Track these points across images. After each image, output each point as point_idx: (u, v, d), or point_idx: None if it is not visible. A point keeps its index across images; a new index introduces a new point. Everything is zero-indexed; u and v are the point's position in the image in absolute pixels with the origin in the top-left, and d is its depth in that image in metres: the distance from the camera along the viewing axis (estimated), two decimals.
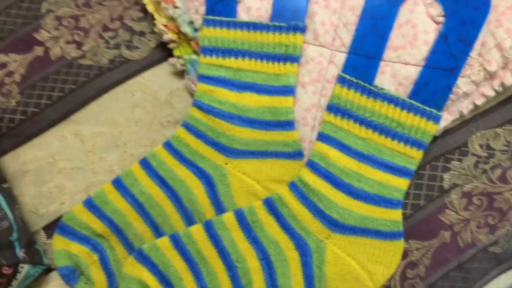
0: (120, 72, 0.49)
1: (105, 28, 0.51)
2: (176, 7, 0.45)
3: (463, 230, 0.44)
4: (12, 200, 0.44)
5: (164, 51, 0.50)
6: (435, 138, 0.45)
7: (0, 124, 0.48)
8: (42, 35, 0.51)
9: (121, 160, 0.48)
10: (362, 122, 0.42)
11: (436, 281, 0.43)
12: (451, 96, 0.43)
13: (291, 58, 0.44)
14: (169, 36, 0.47)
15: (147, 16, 0.51)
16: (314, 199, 0.43)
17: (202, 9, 0.45)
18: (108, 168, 0.48)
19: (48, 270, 0.46)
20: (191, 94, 0.49)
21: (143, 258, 0.44)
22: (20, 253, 0.41)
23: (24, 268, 0.42)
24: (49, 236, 0.46)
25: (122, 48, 0.50)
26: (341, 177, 0.43)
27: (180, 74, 0.50)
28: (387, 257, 0.43)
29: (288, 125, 0.44)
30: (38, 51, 0.50)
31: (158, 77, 0.50)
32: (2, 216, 0.41)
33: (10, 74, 0.50)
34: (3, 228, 0.41)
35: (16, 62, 0.50)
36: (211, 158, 0.45)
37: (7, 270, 0.40)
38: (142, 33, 0.51)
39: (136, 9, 0.51)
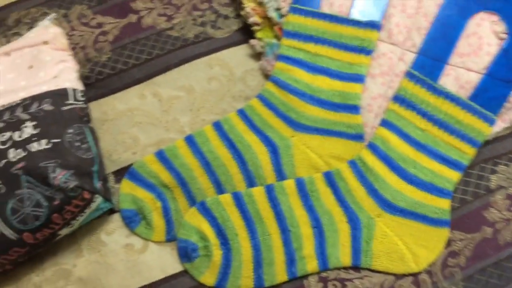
0: (203, 46, 0.55)
1: (195, 8, 0.56)
2: None
3: (504, 228, 0.47)
4: (96, 137, 0.48)
5: (243, 34, 0.55)
6: (486, 143, 0.49)
7: (90, 74, 0.53)
8: (137, 5, 0.56)
9: (192, 123, 0.52)
10: (424, 115, 0.47)
11: (474, 274, 0.46)
12: (505, 104, 0.47)
13: (365, 50, 0.49)
14: (254, 19, 0.52)
15: (233, 3, 0.57)
16: (371, 178, 0.46)
17: (290, 0, 0.51)
18: (180, 128, 0.52)
19: (111, 211, 0.50)
20: (265, 74, 0.53)
21: (205, 210, 0.47)
22: (98, 184, 0.45)
23: (98, 199, 0.45)
24: (118, 181, 0.50)
25: (207, 26, 0.56)
26: (398, 162, 0.47)
27: (256, 56, 0.55)
28: (432, 242, 0.46)
29: (354, 109, 0.48)
30: (132, 18, 0.56)
31: (236, 56, 0.55)
32: (87, 147, 0.45)
33: (104, 33, 0.55)
34: (87, 158, 0.45)
35: (111, 24, 0.56)
36: (279, 130, 0.49)
37: (86, 195, 0.43)
38: (226, 17, 0.56)
39: None
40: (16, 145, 0.43)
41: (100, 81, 0.53)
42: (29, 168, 0.42)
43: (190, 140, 0.50)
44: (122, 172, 0.50)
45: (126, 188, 0.50)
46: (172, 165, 0.49)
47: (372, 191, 0.46)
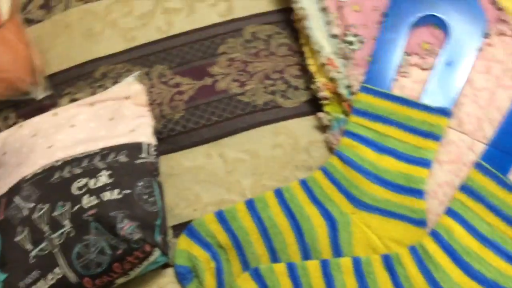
0: (271, 114, 0.57)
1: (267, 77, 0.59)
2: (338, 71, 0.53)
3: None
4: (162, 191, 0.50)
5: (311, 106, 0.57)
6: None
7: (163, 130, 0.56)
8: (214, 70, 0.60)
9: (254, 187, 0.53)
10: (492, 209, 0.45)
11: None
12: None
13: (434, 136, 0.49)
14: (324, 93, 0.54)
15: (303, 76, 0.59)
16: (431, 267, 0.45)
17: (361, 78, 0.52)
18: (241, 191, 0.53)
19: (166, 265, 0.50)
20: (329, 147, 0.54)
21: (257, 277, 0.47)
22: (159, 238, 0.46)
23: (156, 253, 0.46)
24: (176, 235, 0.51)
25: (277, 95, 0.58)
26: (461, 255, 0.45)
27: (321, 128, 0.56)
28: None
29: (418, 193, 0.48)
30: (208, 81, 0.59)
31: (302, 126, 0.56)
32: (153, 201, 0.47)
33: (180, 93, 0.59)
34: (152, 211, 0.46)
35: (188, 85, 0.59)
36: (340, 205, 0.49)
37: (147, 248, 0.45)
38: (296, 88, 0.58)
39: (296, 68, 0.59)
40: (91, 192, 0.45)
41: (171, 137, 0.56)
42: (99, 216, 0.44)
43: (250, 204, 0.51)
44: (181, 227, 0.52)
45: (183, 244, 0.51)
46: (230, 226, 0.50)
47: (432, 281, 0.45)
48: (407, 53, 0.53)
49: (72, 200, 0.45)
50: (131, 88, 0.54)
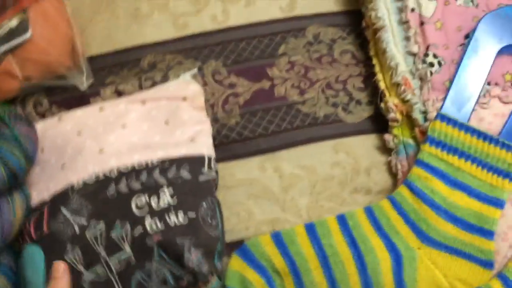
0: (332, 129, 0.53)
1: (329, 86, 0.55)
2: (414, 94, 0.50)
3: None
4: (221, 211, 0.46)
5: (373, 124, 0.54)
6: None
7: (216, 135, 0.52)
8: (273, 72, 0.55)
9: (310, 208, 0.50)
10: None
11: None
12: None
13: (511, 176, 0.47)
14: (395, 115, 0.51)
15: (366, 88, 0.56)
16: None
17: (439, 104, 0.49)
18: (297, 211, 0.50)
19: None
20: (391, 171, 0.52)
21: None
22: (218, 264, 0.43)
23: (213, 280, 0.43)
24: (226, 253, 0.48)
25: (339, 108, 0.54)
26: None
27: (383, 149, 0.53)
28: None
29: (489, 234, 0.46)
30: (265, 84, 0.55)
31: (364, 145, 0.53)
32: (216, 224, 0.43)
33: (236, 95, 0.54)
34: (214, 236, 0.43)
35: (244, 87, 0.55)
36: (406, 238, 0.47)
37: (210, 278, 0.41)
38: (359, 102, 0.55)
39: (359, 79, 0.56)
40: (153, 213, 0.41)
41: (225, 144, 0.51)
42: (165, 243, 0.40)
43: (310, 229, 0.48)
44: (232, 245, 0.48)
45: (235, 265, 0.48)
46: (287, 251, 0.47)
47: None
48: (489, 83, 0.50)
49: (132, 221, 0.41)
50: (189, 88, 0.48)
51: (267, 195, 0.51)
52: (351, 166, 0.52)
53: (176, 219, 0.41)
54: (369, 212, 0.48)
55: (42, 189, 0.44)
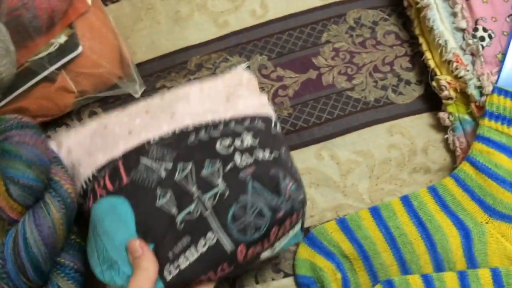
0: (384, 112, 0.53)
1: (376, 69, 0.55)
2: (467, 70, 0.50)
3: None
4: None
5: (425, 103, 0.54)
6: None
7: None
8: (319, 61, 0.56)
9: (371, 191, 0.51)
10: None
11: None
12: None
13: None
14: (449, 93, 0.50)
15: (414, 68, 0.55)
16: None
17: (493, 78, 0.49)
18: (359, 196, 0.51)
19: (285, 274, 0.49)
20: (449, 149, 0.52)
21: None
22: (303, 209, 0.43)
23: (298, 225, 0.43)
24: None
25: (389, 90, 0.54)
26: None
27: (438, 127, 0.53)
28: None
29: None
30: (312, 74, 0.55)
31: (418, 124, 0.53)
32: (296, 170, 0.43)
33: (284, 87, 0.55)
34: (299, 173, 0.43)
35: (291, 79, 0.55)
36: (473, 214, 0.47)
37: (301, 214, 0.41)
38: (408, 82, 0.55)
39: (406, 60, 0.55)
40: (241, 151, 0.41)
41: None
42: (259, 174, 0.40)
43: (375, 212, 0.48)
44: None
45: (304, 254, 0.49)
46: (354, 236, 0.48)
47: None
48: None
49: (222, 158, 0.40)
50: (243, 76, 0.48)
51: (327, 183, 0.51)
52: (408, 147, 0.52)
53: (264, 155, 0.41)
54: (433, 191, 0.49)
55: (106, 151, 0.43)
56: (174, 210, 0.39)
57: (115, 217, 0.40)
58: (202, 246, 0.39)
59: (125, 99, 0.55)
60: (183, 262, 0.39)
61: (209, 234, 0.39)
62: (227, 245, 0.39)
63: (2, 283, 0.40)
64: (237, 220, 0.39)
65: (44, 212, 0.41)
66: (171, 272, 0.38)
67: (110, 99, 0.55)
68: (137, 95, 0.54)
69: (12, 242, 0.40)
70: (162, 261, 0.39)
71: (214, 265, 0.39)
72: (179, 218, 0.39)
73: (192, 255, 0.39)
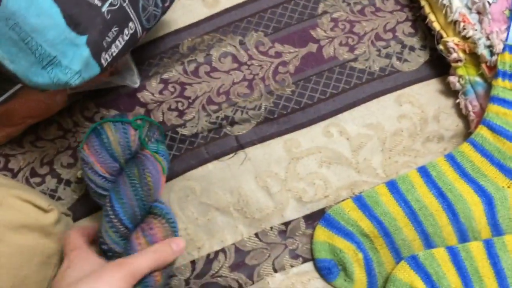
0: (390, 81, 0.51)
1: (378, 37, 0.52)
2: (475, 29, 0.47)
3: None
4: None
5: (432, 68, 0.52)
6: None
7: (274, 108, 0.50)
8: (318, 33, 0.53)
9: (385, 165, 0.49)
10: None
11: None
12: None
13: None
14: (458, 55, 0.48)
15: (417, 33, 0.53)
16: None
17: (503, 35, 0.47)
18: (372, 171, 0.48)
19: (304, 259, 0.47)
20: (461, 114, 0.50)
21: (417, 265, 0.43)
22: None
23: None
24: (308, 226, 0.47)
25: (393, 58, 0.52)
26: None
27: (447, 92, 0.51)
28: None
29: None
30: (312, 47, 0.52)
31: (427, 92, 0.51)
32: None
33: (284, 64, 0.52)
34: None
35: (291, 54, 0.52)
36: (494, 179, 0.45)
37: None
38: (412, 48, 0.52)
39: (408, 25, 0.53)
40: None
41: (284, 116, 0.49)
42: None
43: (392, 186, 0.46)
44: (314, 217, 0.47)
45: (322, 236, 0.46)
46: (373, 213, 0.46)
47: None
48: None
49: None
50: None
51: (338, 160, 0.49)
52: (418, 116, 0.50)
53: None
54: (451, 159, 0.46)
55: None
56: (97, 2, 0.40)
57: (38, 12, 0.38)
58: (126, 35, 0.43)
59: (117, 90, 0.51)
60: (115, 50, 0.42)
61: (130, 24, 0.43)
62: (139, 32, 0.44)
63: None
64: (144, 10, 0.43)
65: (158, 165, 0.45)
66: (107, 60, 0.42)
67: (102, 92, 0.51)
68: (136, 85, 0.50)
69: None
70: (99, 49, 0.40)
71: (129, 49, 0.45)
72: (104, 9, 0.40)
73: (120, 43, 0.43)
